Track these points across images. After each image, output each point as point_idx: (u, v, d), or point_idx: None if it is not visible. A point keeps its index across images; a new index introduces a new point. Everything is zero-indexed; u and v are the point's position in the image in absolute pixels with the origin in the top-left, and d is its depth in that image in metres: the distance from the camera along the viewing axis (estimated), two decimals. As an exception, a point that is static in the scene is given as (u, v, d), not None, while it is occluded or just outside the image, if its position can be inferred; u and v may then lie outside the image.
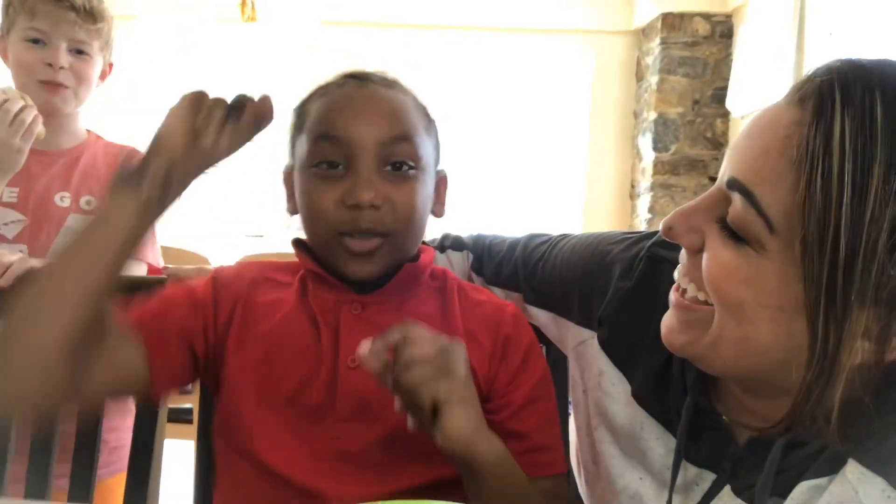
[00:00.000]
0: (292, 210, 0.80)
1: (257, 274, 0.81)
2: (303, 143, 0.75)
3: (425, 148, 0.76)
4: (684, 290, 0.57)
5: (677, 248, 0.59)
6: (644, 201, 4.07)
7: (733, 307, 0.51)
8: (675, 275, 0.60)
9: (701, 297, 0.55)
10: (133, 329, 0.72)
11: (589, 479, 0.74)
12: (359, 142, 0.72)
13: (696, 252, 0.55)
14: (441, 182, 0.82)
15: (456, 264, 0.91)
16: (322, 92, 0.78)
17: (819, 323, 0.47)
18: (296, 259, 0.79)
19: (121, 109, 4.38)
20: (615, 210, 4.30)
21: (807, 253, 0.46)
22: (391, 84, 0.78)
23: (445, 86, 4.03)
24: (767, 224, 0.48)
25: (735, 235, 0.51)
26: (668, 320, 0.60)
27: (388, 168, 0.73)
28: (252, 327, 0.76)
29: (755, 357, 0.52)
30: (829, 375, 0.47)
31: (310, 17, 2.95)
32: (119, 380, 0.70)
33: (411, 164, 0.74)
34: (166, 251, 2.26)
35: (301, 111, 0.78)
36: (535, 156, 4.29)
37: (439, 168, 0.81)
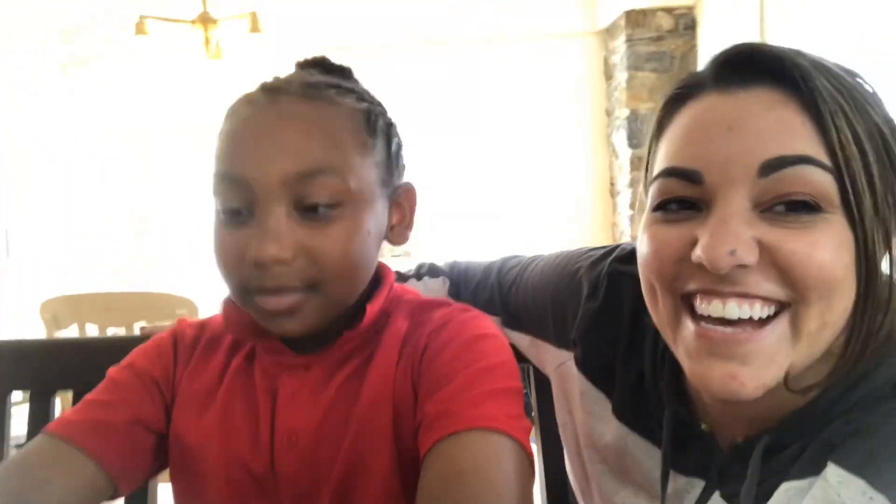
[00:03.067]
0: None
1: (217, 327, 0.73)
2: (212, 179, 0.62)
3: (358, 175, 0.61)
4: (747, 318, 0.51)
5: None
6: (625, 198, 4.09)
7: (834, 285, 0.49)
8: (706, 310, 0.51)
9: (768, 311, 0.50)
10: (80, 436, 0.64)
11: (585, 500, 0.74)
12: (259, 181, 0.58)
13: (755, 265, 0.50)
14: (404, 196, 0.68)
15: (433, 292, 0.91)
16: (228, 113, 0.63)
17: (877, 255, 0.50)
18: None
19: (95, 159, 4.37)
20: (597, 209, 4.33)
21: (858, 194, 0.49)
22: (313, 94, 0.62)
23: (419, 99, 4.05)
24: (833, 174, 0.49)
25: (800, 209, 0.49)
26: (731, 369, 0.51)
27: (304, 210, 0.59)
28: (195, 389, 0.70)
29: (822, 340, 0.52)
30: (887, 302, 0.51)
31: (276, 51, 2.95)
32: (81, 499, 0.63)
33: (333, 201, 0.59)
34: (149, 297, 2.26)
35: (217, 136, 0.64)
36: (513, 161, 4.31)
37: (401, 182, 0.68)
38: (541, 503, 0.91)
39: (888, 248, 0.50)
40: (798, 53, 0.52)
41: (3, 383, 0.92)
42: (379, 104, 0.68)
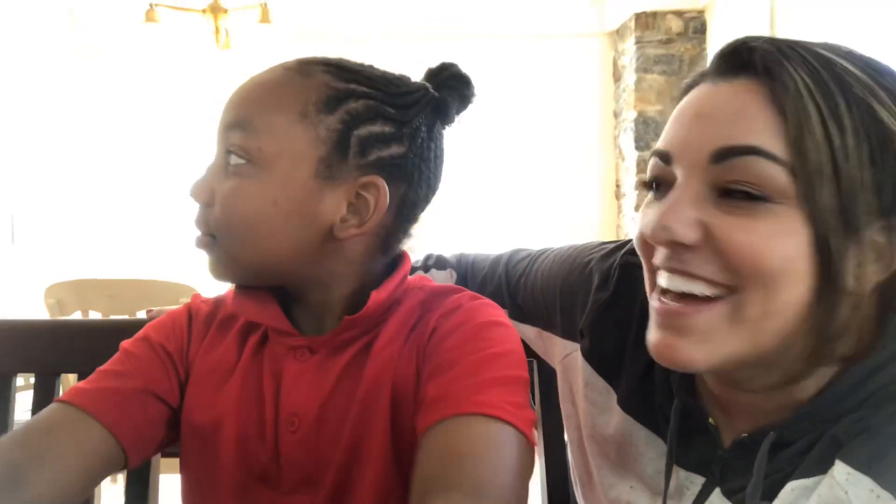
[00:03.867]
0: None
1: (231, 305, 0.73)
2: None
3: (281, 140, 0.62)
4: (684, 295, 0.53)
5: None
6: (630, 200, 4.09)
7: (771, 274, 0.50)
8: (662, 283, 0.55)
9: (710, 292, 0.52)
10: (92, 403, 0.65)
11: (585, 493, 0.74)
12: (218, 128, 0.66)
13: (699, 245, 0.52)
14: (369, 190, 0.63)
15: (440, 283, 0.91)
16: None
17: (837, 251, 0.49)
18: None
19: (101, 147, 4.38)
20: (602, 210, 4.33)
21: (816, 186, 0.49)
22: (294, 64, 0.66)
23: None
24: (786, 167, 0.49)
25: (749, 199, 0.50)
26: (667, 338, 0.54)
27: (224, 161, 0.64)
28: (211, 366, 0.70)
29: (766, 330, 0.52)
30: (852, 305, 0.51)
31: (286, 42, 2.95)
32: (89, 467, 0.63)
33: (242, 156, 0.62)
34: (152, 285, 2.26)
35: None
36: (519, 161, 4.31)
37: (367, 178, 0.63)
38: (541, 495, 0.91)
39: (857, 245, 0.49)
40: (786, 45, 0.52)
41: (8, 365, 0.92)
42: (379, 97, 0.65)
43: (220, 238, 0.64)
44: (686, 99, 0.57)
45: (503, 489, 0.53)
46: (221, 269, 0.66)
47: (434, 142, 0.70)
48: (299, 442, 0.65)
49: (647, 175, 0.58)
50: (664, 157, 0.56)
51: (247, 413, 0.67)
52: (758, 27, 3.12)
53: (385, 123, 0.64)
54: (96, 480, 0.66)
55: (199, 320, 0.73)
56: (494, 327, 0.65)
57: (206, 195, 0.64)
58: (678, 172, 0.54)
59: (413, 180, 0.67)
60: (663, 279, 0.55)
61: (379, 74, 0.68)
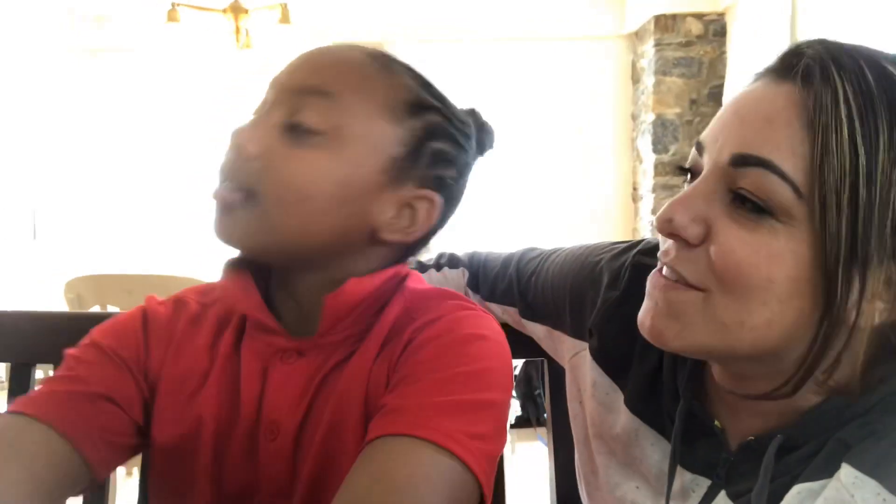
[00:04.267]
0: None
1: (196, 301, 0.69)
2: None
3: (362, 124, 0.60)
4: (674, 276, 0.55)
5: None
6: (647, 203, 4.07)
7: (749, 289, 0.50)
8: (662, 261, 0.56)
9: (693, 281, 0.53)
10: (42, 410, 0.59)
11: (590, 491, 0.74)
12: (276, 85, 0.62)
13: (697, 244, 0.52)
14: (422, 204, 0.64)
15: (452, 281, 0.91)
16: None
17: (839, 281, 0.47)
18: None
19: (122, 145, 4.44)
20: (618, 213, 4.31)
21: (828, 210, 0.47)
22: (379, 53, 0.65)
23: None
24: (794, 188, 0.48)
25: (756, 210, 0.49)
26: (651, 309, 0.56)
27: (291, 124, 0.59)
28: (181, 375, 0.64)
29: (741, 338, 0.52)
30: (847, 338, 0.49)
31: (305, 43, 2.98)
32: (40, 480, 0.56)
33: (316, 125, 0.59)
34: (170, 280, 2.29)
35: None
36: (536, 162, 4.31)
37: (426, 191, 0.64)
38: (550, 493, 0.92)
39: (862, 279, 0.47)
40: (837, 51, 0.50)
41: (28, 355, 0.94)
42: (453, 120, 0.67)
43: (261, 199, 0.58)
44: (739, 92, 0.56)
45: None
46: (246, 231, 0.59)
47: (469, 175, 0.72)
48: (276, 451, 0.61)
49: (688, 163, 0.59)
50: (699, 147, 0.56)
51: (225, 418, 0.63)
52: (779, 30, 3.10)
53: (452, 146, 0.66)
54: (56, 494, 0.57)
55: (159, 325, 0.67)
56: (475, 342, 0.60)
57: (258, 147, 0.58)
58: (705, 165, 0.54)
59: (453, 204, 0.69)
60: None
61: (448, 98, 0.69)
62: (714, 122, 0.55)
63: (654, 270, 0.58)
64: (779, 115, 0.50)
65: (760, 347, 0.52)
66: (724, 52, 3.86)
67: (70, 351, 0.65)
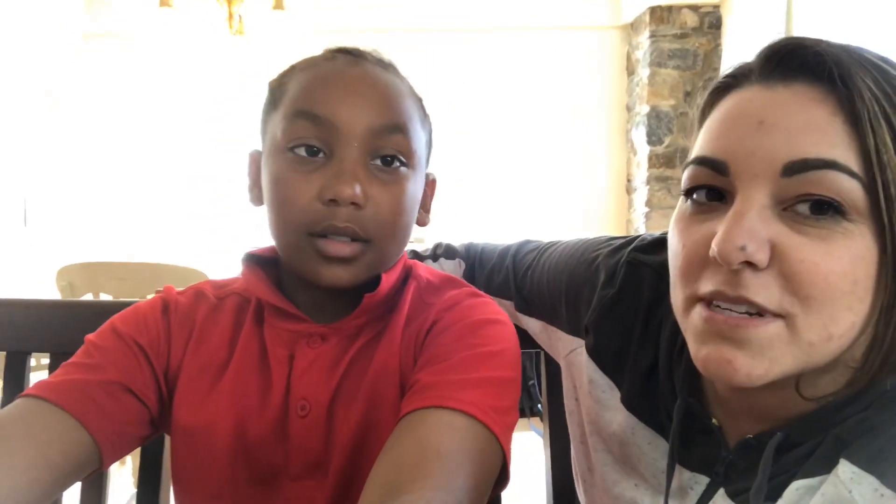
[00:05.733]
0: (256, 199, 0.69)
1: (213, 293, 0.73)
2: (277, 122, 0.64)
3: (419, 143, 0.67)
4: (752, 309, 0.50)
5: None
6: (641, 195, 4.07)
7: (839, 300, 0.48)
8: (725, 295, 0.51)
9: (774, 308, 0.50)
10: (61, 395, 0.61)
11: (587, 488, 0.74)
12: (347, 126, 0.61)
13: (765, 268, 0.49)
14: (430, 185, 0.73)
15: (449, 273, 0.91)
16: (306, 65, 0.66)
17: None
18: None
19: (113, 132, 4.40)
20: (612, 205, 4.31)
21: (892, 200, 0.47)
22: (386, 66, 0.68)
23: (438, 86, 4.04)
24: (862, 183, 0.47)
25: (821, 216, 0.48)
26: (729, 352, 0.51)
27: (377, 162, 0.63)
28: (203, 363, 0.68)
29: (828, 351, 0.50)
30: None
31: (298, 30, 2.95)
32: (53, 463, 0.58)
33: (404, 159, 0.64)
34: (162, 269, 2.28)
35: (278, 86, 0.66)
36: (529, 154, 4.30)
37: (428, 171, 0.72)
38: (546, 485, 0.92)
39: None
40: (845, 49, 0.50)
41: (22, 344, 0.93)
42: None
43: (378, 241, 0.63)
44: (734, 103, 0.53)
45: (468, 492, 0.53)
46: (365, 274, 0.64)
47: None
48: (308, 427, 0.65)
49: (687, 183, 0.55)
50: (719, 166, 0.52)
51: (250, 400, 0.66)
52: (774, 23, 3.10)
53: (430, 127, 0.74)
54: (66, 480, 0.60)
55: (180, 314, 0.70)
56: (490, 325, 0.65)
57: (365, 197, 0.61)
58: (740, 184, 0.51)
59: None
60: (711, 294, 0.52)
61: None
62: (731, 137, 0.52)
63: (704, 311, 0.52)
64: (817, 117, 0.49)
65: (841, 353, 0.51)
66: (719, 45, 3.86)
67: (89, 337, 0.67)
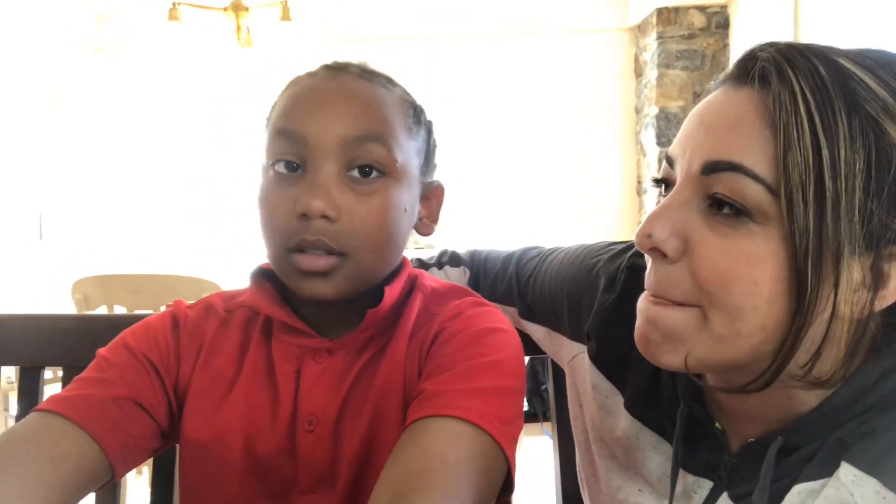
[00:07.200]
0: None
1: (222, 306, 0.73)
2: (264, 141, 0.66)
3: (404, 151, 0.65)
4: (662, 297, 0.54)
5: None
6: (651, 196, 4.06)
7: (738, 301, 0.50)
8: (647, 284, 0.57)
9: (681, 299, 0.53)
10: (74, 410, 0.62)
11: (592, 494, 0.74)
12: (316, 138, 0.62)
13: (677, 259, 0.53)
14: (434, 194, 0.72)
15: (453, 281, 0.92)
16: (290, 83, 0.68)
17: (809, 273, 0.47)
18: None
19: (126, 144, 4.45)
20: (623, 207, 4.30)
21: (795, 205, 0.47)
22: (371, 76, 0.67)
23: (448, 92, 4.06)
24: (766, 186, 0.48)
25: (733, 215, 0.50)
26: (647, 332, 0.56)
27: (355, 173, 0.62)
28: (212, 378, 0.68)
29: (739, 347, 0.52)
30: (826, 330, 0.49)
31: (305, 40, 2.98)
32: (64, 477, 0.58)
33: (381, 168, 0.63)
34: (175, 280, 2.30)
35: (272, 106, 0.68)
36: (540, 157, 4.30)
37: (432, 179, 0.72)
38: (555, 494, 0.92)
39: (836, 273, 0.47)
40: (799, 53, 0.50)
41: (36, 358, 0.94)
42: (420, 104, 0.72)
43: (355, 254, 0.62)
44: (699, 104, 0.57)
45: (472, 501, 0.54)
46: (347, 287, 0.63)
47: None
48: (316, 441, 0.66)
49: (659, 174, 0.59)
50: (670, 159, 0.57)
51: (259, 415, 0.67)
52: (782, 22, 3.08)
53: (432, 132, 0.73)
54: (77, 494, 0.60)
55: (189, 328, 0.71)
56: (494, 334, 0.65)
57: (334, 210, 0.61)
58: (677, 177, 0.55)
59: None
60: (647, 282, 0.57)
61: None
62: (681, 134, 0.56)
63: (644, 292, 0.58)
64: (742, 119, 0.51)
65: (757, 353, 0.52)
66: (727, 45, 3.85)
67: (101, 351, 0.68)
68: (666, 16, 3.90)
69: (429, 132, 0.71)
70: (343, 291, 0.64)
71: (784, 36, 3.06)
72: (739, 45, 3.67)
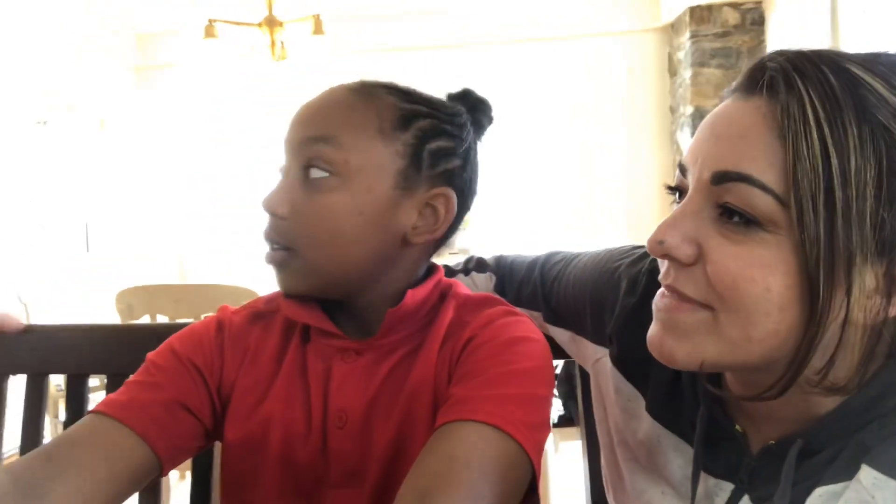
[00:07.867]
0: None
1: (265, 308, 0.77)
2: None
3: (364, 155, 0.66)
4: (676, 296, 0.55)
5: None
6: (687, 198, 4.01)
7: (751, 306, 0.50)
8: (662, 283, 0.57)
9: (696, 297, 0.54)
10: (126, 413, 0.67)
11: (617, 495, 0.74)
12: (286, 142, 0.69)
13: (692, 264, 0.53)
14: (439, 201, 0.70)
15: (480, 286, 0.93)
16: None
17: (821, 281, 0.47)
18: None
19: (168, 158, 4.57)
20: (658, 208, 4.26)
21: (805, 214, 0.47)
22: (359, 86, 0.71)
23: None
24: (775, 197, 0.49)
25: (744, 223, 0.50)
26: (660, 330, 0.56)
27: (311, 172, 0.67)
28: (254, 380, 0.72)
29: (752, 352, 0.52)
30: (840, 337, 0.49)
31: (340, 50, 3.02)
32: (118, 476, 0.64)
33: (328, 168, 0.66)
34: (214, 289, 2.35)
35: None
36: (576, 158, 4.30)
37: (438, 189, 0.70)
38: (585, 497, 0.92)
39: (847, 281, 0.47)
40: (808, 60, 0.50)
41: (82, 366, 0.99)
42: (440, 116, 0.71)
43: (302, 250, 0.67)
44: (711, 113, 0.57)
45: (494, 503, 0.56)
46: (300, 281, 0.68)
47: (476, 156, 0.76)
48: (346, 437, 0.68)
49: (674, 182, 0.59)
50: (682, 169, 0.57)
51: (293, 413, 0.70)
52: (818, 18, 3.02)
53: (448, 139, 0.71)
54: (128, 490, 0.66)
55: (233, 333, 0.75)
56: (524, 343, 0.67)
57: (285, 208, 0.67)
58: (689, 185, 0.55)
59: (466, 191, 0.74)
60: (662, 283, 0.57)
61: (433, 98, 0.74)
62: (693, 143, 0.56)
63: (658, 292, 0.58)
64: (751, 129, 0.51)
65: (770, 357, 0.52)
66: (762, 41, 3.78)
67: (150, 355, 0.73)
68: (699, 14, 3.85)
69: (424, 139, 0.69)
70: (296, 285, 0.69)
71: (822, 30, 3.00)
72: (776, 41, 3.61)
